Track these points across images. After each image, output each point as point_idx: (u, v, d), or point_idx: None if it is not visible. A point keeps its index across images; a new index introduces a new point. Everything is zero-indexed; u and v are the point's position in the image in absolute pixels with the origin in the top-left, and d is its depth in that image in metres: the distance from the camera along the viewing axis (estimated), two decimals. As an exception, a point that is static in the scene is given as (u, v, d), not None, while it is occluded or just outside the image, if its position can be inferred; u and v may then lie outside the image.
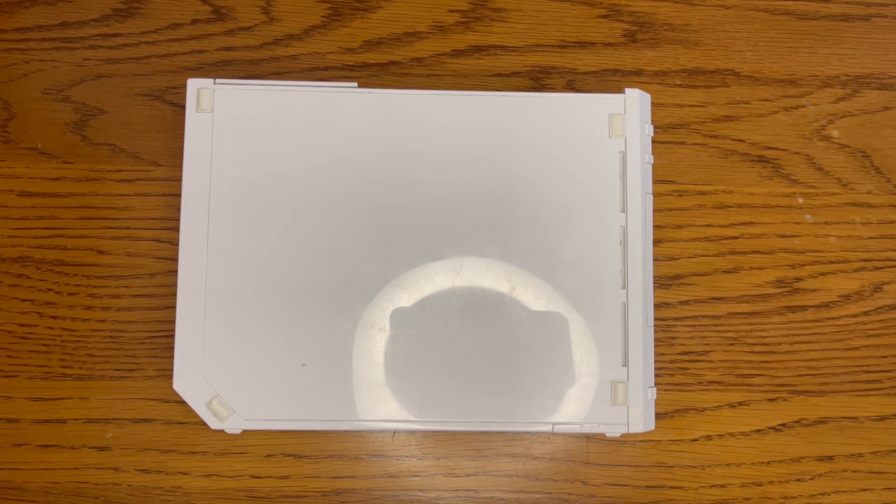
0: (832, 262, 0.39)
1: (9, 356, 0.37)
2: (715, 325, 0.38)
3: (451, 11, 0.40)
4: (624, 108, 0.36)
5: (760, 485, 0.38)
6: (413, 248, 0.35)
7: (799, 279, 0.39)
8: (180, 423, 0.37)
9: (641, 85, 0.39)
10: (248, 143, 0.35)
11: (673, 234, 0.39)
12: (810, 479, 0.38)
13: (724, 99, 0.40)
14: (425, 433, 0.38)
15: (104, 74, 0.39)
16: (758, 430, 0.38)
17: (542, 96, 0.36)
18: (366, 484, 0.37)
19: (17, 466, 0.37)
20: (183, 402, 0.34)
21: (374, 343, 0.34)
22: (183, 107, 0.36)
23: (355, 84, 0.36)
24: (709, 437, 0.38)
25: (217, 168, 0.35)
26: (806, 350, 0.38)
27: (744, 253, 0.39)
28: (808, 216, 0.39)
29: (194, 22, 0.39)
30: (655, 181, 0.39)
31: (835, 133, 0.40)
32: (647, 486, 0.38)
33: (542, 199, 0.35)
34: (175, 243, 0.36)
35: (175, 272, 0.35)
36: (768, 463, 0.38)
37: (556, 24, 0.40)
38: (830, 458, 0.38)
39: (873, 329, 0.39)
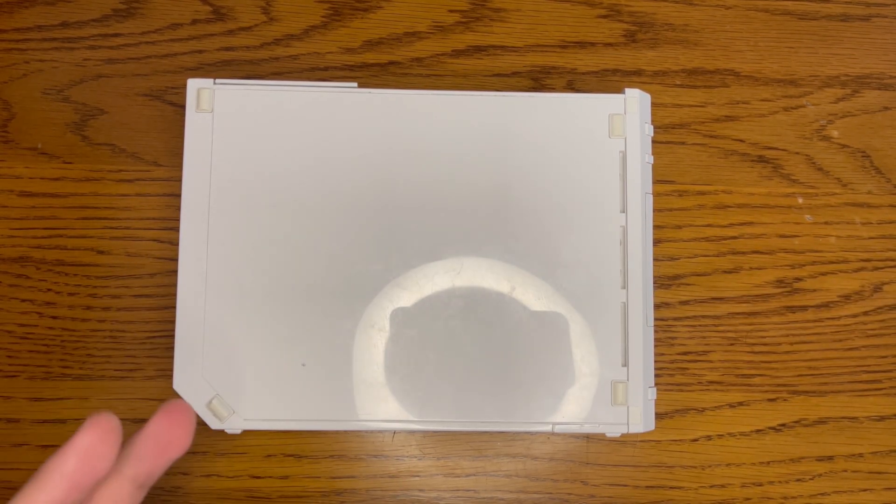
0: (832, 262, 0.39)
1: (9, 356, 0.37)
2: (715, 325, 0.38)
3: (451, 11, 0.40)
4: (624, 108, 0.36)
5: (760, 485, 0.38)
6: (413, 248, 0.35)
7: (799, 279, 0.39)
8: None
9: (641, 85, 0.39)
10: (248, 143, 0.35)
11: (673, 234, 0.39)
12: (810, 479, 0.38)
13: (724, 99, 0.40)
14: (425, 433, 0.38)
15: (104, 74, 0.39)
16: (758, 430, 0.38)
17: (542, 96, 0.36)
18: (366, 484, 0.37)
19: (17, 466, 0.37)
20: (183, 402, 0.34)
21: (374, 343, 0.34)
22: (183, 107, 0.36)
23: (355, 84, 0.36)
24: (709, 437, 0.38)
25: (217, 168, 0.35)
26: (806, 350, 0.38)
27: (744, 253, 0.39)
28: (808, 216, 0.39)
29: (194, 22, 0.39)
30: (655, 181, 0.39)
31: (835, 133, 0.40)
32: (647, 487, 0.38)
33: (542, 199, 0.35)
34: (175, 243, 0.36)
35: (175, 272, 0.35)
36: (768, 463, 0.38)
37: (556, 24, 0.40)
38: (830, 458, 0.38)
39: (873, 329, 0.39)
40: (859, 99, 0.40)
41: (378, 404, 0.34)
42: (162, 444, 0.25)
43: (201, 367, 0.34)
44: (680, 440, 0.38)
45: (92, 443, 0.23)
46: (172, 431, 0.25)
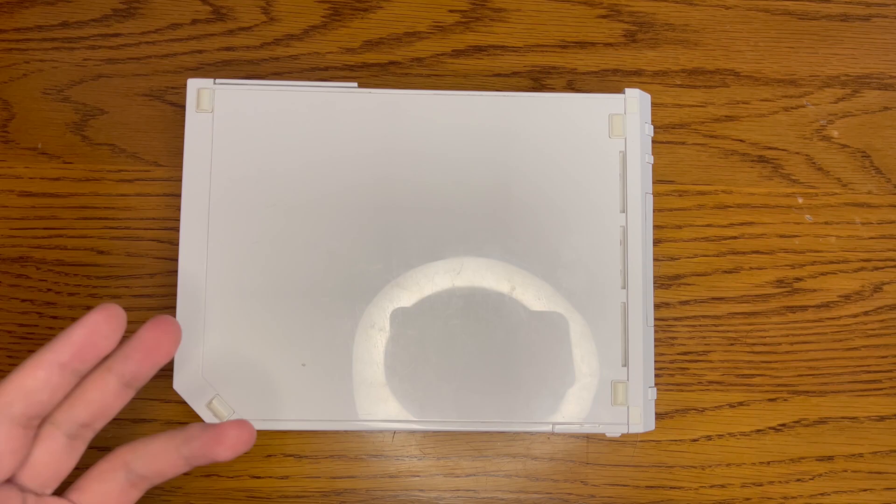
0: (832, 262, 0.39)
1: (9, 356, 0.37)
2: (715, 325, 0.38)
3: (451, 11, 0.40)
4: (624, 108, 0.36)
5: (760, 485, 0.38)
6: (413, 248, 0.35)
7: (799, 279, 0.39)
8: (180, 423, 0.37)
9: (641, 85, 0.39)
10: (248, 143, 0.35)
11: (673, 234, 0.39)
12: (810, 479, 0.38)
13: (724, 99, 0.40)
14: (425, 433, 0.38)
15: (104, 74, 0.39)
16: (758, 430, 0.38)
17: (542, 96, 0.36)
18: (366, 484, 0.37)
19: (17, 466, 0.37)
20: (183, 402, 0.34)
21: (374, 343, 0.34)
22: (183, 107, 0.36)
23: (355, 84, 0.36)
24: (709, 437, 0.38)
25: (217, 168, 0.35)
26: (806, 350, 0.38)
27: (744, 253, 0.39)
28: (808, 216, 0.39)
29: (194, 22, 0.39)
30: (655, 181, 0.39)
31: (835, 133, 0.40)
32: (647, 486, 0.38)
33: (542, 199, 0.35)
34: (175, 243, 0.36)
35: (175, 272, 0.35)
36: (768, 463, 0.38)
37: (556, 24, 0.40)
38: (830, 458, 0.38)
39: (873, 329, 0.39)
40: (859, 99, 0.40)
41: (378, 404, 0.34)
42: (148, 348, 0.28)
43: (201, 367, 0.34)
44: (680, 440, 0.38)
45: (98, 321, 0.27)
46: (159, 339, 0.28)
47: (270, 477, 0.37)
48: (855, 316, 0.39)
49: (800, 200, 0.39)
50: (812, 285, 0.39)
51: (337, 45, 0.39)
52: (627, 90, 0.36)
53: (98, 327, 0.27)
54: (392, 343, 0.34)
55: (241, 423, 0.29)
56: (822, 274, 0.39)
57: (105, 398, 0.28)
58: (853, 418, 0.38)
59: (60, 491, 0.29)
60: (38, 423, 0.27)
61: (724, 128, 0.39)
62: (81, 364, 0.27)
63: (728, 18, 0.40)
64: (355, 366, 0.34)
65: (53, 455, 0.28)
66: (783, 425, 0.38)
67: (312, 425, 0.34)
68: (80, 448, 0.29)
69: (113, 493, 0.29)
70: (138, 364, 0.28)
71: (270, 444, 0.37)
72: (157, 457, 0.29)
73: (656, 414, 0.37)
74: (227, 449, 0.29)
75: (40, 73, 0.39)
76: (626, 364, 0.34)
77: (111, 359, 0.28)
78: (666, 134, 0.39)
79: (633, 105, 0.36)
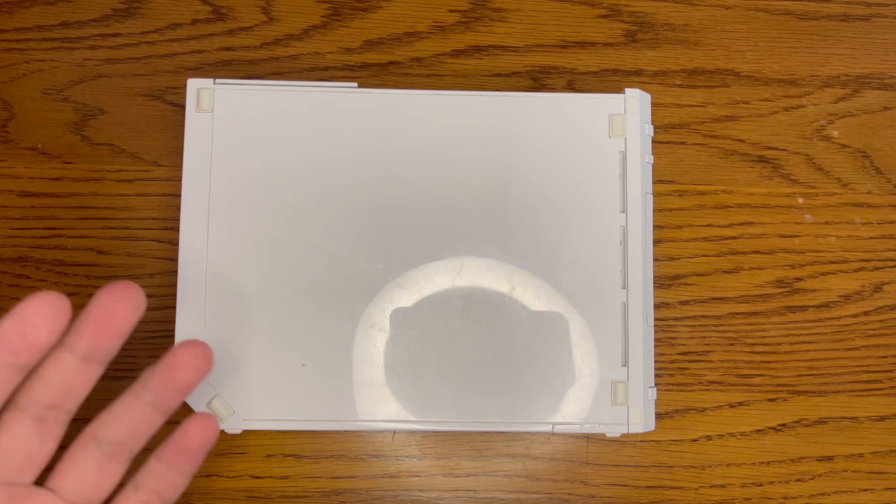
0: (832, 262, 0.39)
1: (9, 356, 0.37)
2: (715, 325, 0.38)
3: (451, 11, 0.40)
4: (624, 108, 0.36)
5: (760, 485, 0.38)
6: (413, 248, 0.35)
7: (799, 279, 0.39)
8: (180, 423, 0.37)
9: (641, 85, 0.39)
10: (248, 143, 0.35)
11: (673, 234, 0.39)
12: (810, 479, 0.38)
13: (724, 99, 0.40)
14: (425, 433, 0.38)
15: (104, 74, 0.39)
16: (758, 430, 0.38)
17: (541, 96, 0.36)
18: (366, 484, 0.37)
19: (17, 466, 0.37)
20: (183, 402, 0.34)
21: (374, 343, 0.34)
22: (183, 107, 0.36)
23: (355, 84, 0.36)
24: (709, 437, 0.38)
25: (217, 168, 0.35)
26: (806, 350, 0.38)
27: (744, 253, 0.39)
28: (808, 216, 0.39)
29: (194, 22, 0.39)
30: (655, 181, 0.39)
31: (835, 133, 0.40)
32: (647, 487, 0.38)
33: (542, 199, 0.35)
34: (175, 243, 0.36)
35: (175, 272, 0.35)
36: (768, 463, 0.38)
37: (556, 24, 0.40)
38: (830, 458, 0.38)
39: (873, 329, 0.39)
40: (859, 99, 0.40)
41: (378, 404, 0.34)
42: (102, 316, 0.26)
43: (201, 367, 0.34)
44: (680, 440, 0.38)
45: (29, 311, 0.25)
46: (112, 305, 0.26)
47: (270, 477, 0.37)
48: (855, 316, 0.39)
49: (800, 200, 0.39)
50: (812, 285, 0.39)
51: (337, 45, 0.39)
52: (627, 90, 0.36)
53: (29, 318, 0.25)
54: (392, 343, 0.34)
55: (192, 342, 0.28)
56: (822, 274, 0.39)
57: (65, 377, 0.27)
58: (853, 418, 0.38)
59: (41, 481, 0.28)
60: None
61: (724, 128, 0.39)
62: (13, 357, 0.25)
63: (728, 18, 0.40)
64: (355, 366, 0.34)
65: (21, 440, 0.27)
66: (783, 425, 0.38)
67: (312, 425, 0.34)
68: (55, 431, 0.28)
69: (90, 471, 0.28)
70: (93, 336, 0.26)
71: (270, 444, 0.37)
72: (122, 415, 0.28)
73: (656, 414, 0.37)
74: (185, 370, 0.27)
75: (40, 73, 0.39)
76: (626, 364, 0.34)
77: (66, 336, 0.26)
78: (666, 134, 0.39)
79: (633, 105, 0.36)
